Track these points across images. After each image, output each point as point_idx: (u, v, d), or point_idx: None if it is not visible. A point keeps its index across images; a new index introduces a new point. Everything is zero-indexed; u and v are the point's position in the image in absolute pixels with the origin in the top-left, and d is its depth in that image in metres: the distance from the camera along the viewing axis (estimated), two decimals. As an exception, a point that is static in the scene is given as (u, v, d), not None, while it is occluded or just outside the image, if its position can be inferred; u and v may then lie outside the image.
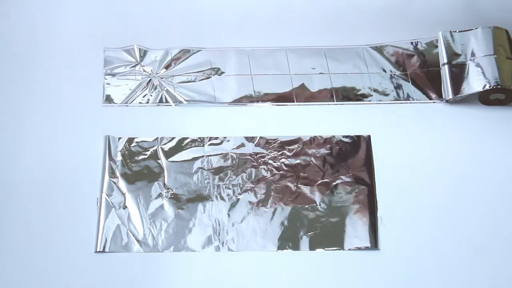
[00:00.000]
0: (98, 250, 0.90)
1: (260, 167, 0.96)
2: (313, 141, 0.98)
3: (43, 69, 1.03)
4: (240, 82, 1.02)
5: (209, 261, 0.90)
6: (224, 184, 0.95)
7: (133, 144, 0.97)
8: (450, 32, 1.03)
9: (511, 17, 1.06)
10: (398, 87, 1.02)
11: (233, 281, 0.89)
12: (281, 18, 1.08)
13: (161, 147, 0.97)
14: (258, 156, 0.97)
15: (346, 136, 0.98)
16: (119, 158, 0.96)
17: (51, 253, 0.90)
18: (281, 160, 0.96)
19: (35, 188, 0.94)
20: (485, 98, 1.00)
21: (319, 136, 0.98)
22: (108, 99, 1.01)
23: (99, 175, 0.95)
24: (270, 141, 0.98)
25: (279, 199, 0.94)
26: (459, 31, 1.02)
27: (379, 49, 1.05)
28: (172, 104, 1.01)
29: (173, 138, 0.98)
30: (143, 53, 1.04)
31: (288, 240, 0.91)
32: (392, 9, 1.08)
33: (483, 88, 0.98)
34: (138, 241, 0.91)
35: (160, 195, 0.94)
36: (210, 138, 0.98)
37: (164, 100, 1.01)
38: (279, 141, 0.98)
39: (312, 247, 0.91)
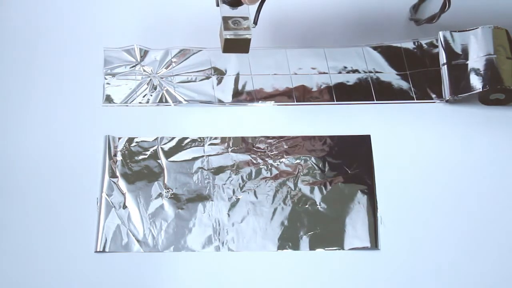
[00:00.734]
0: (98, 250, 0.90)
1: (260, 167, 0.96)
2: (313, 141, 0.98)
3: (43, 69, 1.03)
4: (240, 82, 1.02)
5: (209, 261, 0.90)
6: (224, 184, 0.95)
7: (133, 144, 0.97)
8: (450, 32, 1.03)
9: (511, 17, 1.06)
10: (398, 87, 1.02)
11: (233, 281, 0.89)
12: (281, 18, 1.08)
13: (161, 147, 0.97)
14: (258, 155, 0.97)
15: (346, 136, 0.98)
16: (119, 158, 0.96)
17: (51, 253, 0.90)
18: (281, 160, 0.96)
19: (35, 188, 0.94)
20: (485, 98, 1.00)
21: (319, 136, 0.98)
22: (108, 99, 1.01)
23: (99, 175, 0.95)
24: (270, 141, 0.98)
25: (279, 199, 0.94)
26: (459, 31, 1.02)
27: (379, 49, 1.05)
28: (172, 104, 1.01)
29: (173, 138, 0.98)
30: (143, 53, 1.04)
31: (288, 240, 0.91)
32: (392, 9, 1.08)
33: (483, 88, 0.98)
34: (138, 241, 0.91)
35: (160, 195, 0.94)
36: (210, 138, 0.98)
37: (164, 100, 1.01)
38: (279, 141, 0.98)
39: (312, 247, 0.91)
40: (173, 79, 1.03)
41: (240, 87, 1.02)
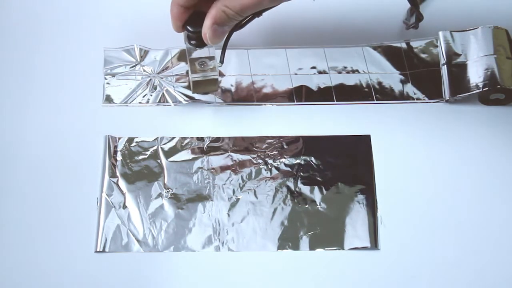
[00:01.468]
0: (98, 250, 0.90)
1: (260, 167, 0.96)
2: (313, 141, 0.98)
3: (43, 69, 1.03)
4: (240, 82, 1.02)
5: (209, 261, 0.90)
6: (224, 184, 0.95)
7: (133, 144, 0.97)
8: (450, 32, 1.03)
9: (511, 17, 1.06)
10: (398, 87, 1.02)
11: (233, 281, 0.89)
12: (281, 18, 1.08)
13: (161, 147, 0.97)
14: (258, 155, 0.97)
15: (346, 136, 0.98)
16: (119, 158, 0.96)
17: (51, 253, 0.90)
18: (281, 160, 0.96)
19: (35, 187, 0.94)
20: (485, 98, 1.00)
21: (319, 136, 0.98)
22: (108, 99, 1.01)
23: (99, 175, 0.95)
24: (270, 141, 0.98)
25: (279, 199, 0.94)
26: (459, 31, 1.02)
27: (379, 49, 1.05)
28: (172, 104, 1.01)
29: (173, 138, 0.98)
30: (143, 53, 1.04)
31: (288, 240, 0.91)
32: (392, 9, 1.08)
33: (483, 88, 0.98)
34: (138, 241, 0.91)
35: (160, 195, 0.94)
36: (210, 138, 0.98)
37: (164, 100, 1.01)
38: (279, 141, 0.98)
39: (312, 247, 0.91)
40: (173, 79, 1.03)
41: (240, 87, 1.02)
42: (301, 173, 0.95)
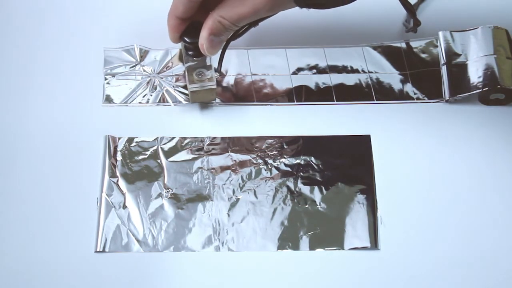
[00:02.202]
0: (98, 250, 0.90)
1: (260, 167, 0.96)
2: (313, 141, 0.98)
3: (43, 69, 1.03)
4: (240, 82, 1.02)
5: (209, 261, 0.90)
6: (224, 184, 0.95)
7: (133, 144, 0.97)
8: (450, 32, 1.03)
9: (511, 17, 1.06)
10: (398, 87, 1.02)
11: (233, 281, 0.89)
12: (281, 18, 1.08)
13: (161, 147, 0.97)
14: (258, 156, 0.97)
15: (346, 136, 0.98)
16: (119, 158, 0.96)
17: (50, 253, 0.90)
18: (281, 160, 0.96)
19: (35, 187, 0.94)
20: (485, 98, 1.00)
21: (319, 136, 0.98)
22: (108, 99, 1.01)
23: (99, 175, 0.95)
24: (270, 141, 0.98)
25: (279, 199, 0.94)
26: (459, 31, 1.02)
27: (379, 49, 1.05)
28: (172, 104, 1.01)
29: (173, 138, 0.98)
30: (144, 53, 1.04)
31: (288, 240, 0.91)
32: (392, 9, 1.08)
33: (483, 88, 0.98)
34: (138, 241, 0.91)
35: (160, 195, 0.94)
36: (210, 138, 0.98)
37: (164, 100, 1.01)
38: (279, 141, 0.98)
39: (312, 247, 0.91)
40: (173, 79, 1.03)
41: (240, 87, 1.02)
42: (301, 173, 0.95)
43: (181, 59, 1.03)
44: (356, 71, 1.03)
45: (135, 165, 0.96)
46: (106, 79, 1.02)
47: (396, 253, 0.90)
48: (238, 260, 0.90)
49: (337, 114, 1.00)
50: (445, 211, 0.92)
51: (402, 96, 1.01)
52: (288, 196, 0.94)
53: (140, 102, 1.01)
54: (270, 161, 0.96)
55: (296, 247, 0.91)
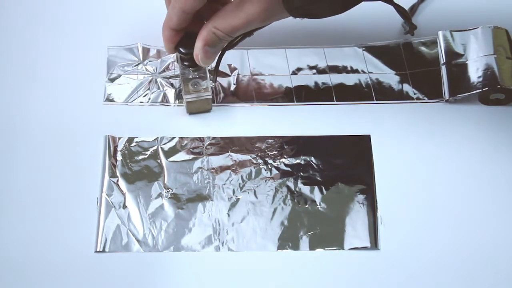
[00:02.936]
0: (98, 250, 0.90)
1: (260, 167, 0.96)
2: (313, 141, 0.98)
3: (45, 67, 1.03)
4: (240, 81, 1.03)
5: (209, 261, 0.90)
6: (224, 184, 0.95)
7: (133, 144, 0.97)
8: (450, 31, 1.03)
9: (511, 17, 1.06)
10: (398, 87, 1.02)
11: (233, 281, 0.89)
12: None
13: (161, 147, 0.97)
14: (258, 155, 0.97)
15: (346, 136, 0.98)
16: (119, 158, 0.96)
17: (51, 253, 0.90)
18: (281, 160, 0.96)
19: (35, 187, 0.94)
20: (485, 98, 1.00)
21: (319, 136, 0.98)
22: (109, 98, 1.01)
23: (99, 175, 0.95)
24: (270, 141, 0.98)
25: (279, 199, 0.94)
26: (459, 31, 1.02)
27: (379, 49, 1.05)
28: (172, 104, 1.01)
29: (173, 138, 0.98)
30: (146, 52, 1.04)
31: (288, 240, 0.91)
32: (391, 9, 1.08)
33: (483, 88, 0.98)
34: (138, 241, 0.91)
35: (160, 195, 0.94)
36: (210, 138, 0.98)
37: (164, 100, 1.01)
38: (279, 141, 0.98)
39: (312, 247, 0.91)
40: (175, 78, 1.03)
41: (240, 87, 1.02)
42: (301, 173, 0.95)
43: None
44: (356, 71, 1.03)
45: (135, 165, 0.96)
46: (107, 77, 1.02)
47: (396, 253, 0.90)
48: (238, 260, 0.90)
49: (337, 114, 1.00)
50: (445, 211, 0.92)
51: (402, 96, 1.01)
52: (288, 196, 0.94)
53: (141, 102, 1.01)
54: (270, 161, 0.96)
55: (296, 247, 0.91)
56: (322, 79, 1.03)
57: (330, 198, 0.94)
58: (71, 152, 0.97)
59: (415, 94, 1.01)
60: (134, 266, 0.89)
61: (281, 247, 0.91)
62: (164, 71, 1.03)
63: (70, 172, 0.95)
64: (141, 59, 1.04)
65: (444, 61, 1.01)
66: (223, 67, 1.02)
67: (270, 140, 0.98)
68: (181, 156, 0.97)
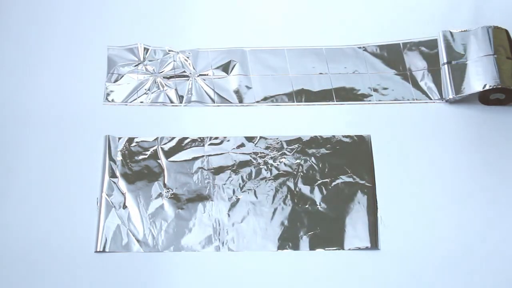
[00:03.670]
0: (98, 250, 0.90)
1: (260, 167, 0.96)
2: (313, 141, 0.98)
3: (45, 67, 1.03)
4: (240, 82, 1.02)
5: (209, 261, 0.90)
6: (224, 184, 0.95)
7: (133, 144, 0.97)
8: (450, 32, 1.03)
9: (511, 17, 1.06)
10: (398, 87, 1.02)
11: (233, 281, 0.89)
12: (281, 18, 1.08)
13: (161, 147, 0.97)
14: (258, 156, 0.97)
15: (346, 136, 0.98)
16: (119, 158, 0.96)
17: (51, 253, 0.90)
18: (281, 160, 0.96)
19: (35, 187, 0.94)
20: (485, 98, 0.99)
21: (319, 136, 0.98)
22: (110, 98, 1.01)
23: (99, 175, 0.95)
24: (270, 141, 0.98)
25: (279, 199, 0.94)
26: (459, 31, 1.02)
27: (379, 49, 1.04)
28: (172, 104, 1.01)
29: (173, 138, 0.98)
30: (147, 52, 1.04)
31: (288, 240, 0.91)
32: (392, 9, 1.08)
33: (483, 88, 0.98)
34: (138, 241, 0.91)
35: (160, 195, 0.94)
36: (210, 138, 0.98)
37: (164, 100, 1.01)
38: (279, 141, 0.98)
39: (312, 247, 0.91)
40: (174, 79, 1.03)
41: (240, 87, 1.02)
42: (301, 173, 0.95)
43: (182, 59, 1.03)
44: (356, 71, 1.03)
45: (135, 165, 0.96)
46: (108, 77, 1.02)
47: (396, 253, 0.90)
48: (238, 260, 0.90)
49: (337, 114, 1.00)
50: (445, 210, 0.92)
51: (402, 96, 1.01)
52: (288, 196, 0.94)
53: (141, 102, 1.01)
54: (270, 161, 0.96)
55: (296, 247, 0.91)
56: (322, 79, 1.03)
57: (330, 198, 0.94)
58: (71, 152, 0.97)
59: (415, 94, 1.01)
60: (134, 266, 0.89)
61: (281, 247, 0.91)
62: (164, 71, 1.03)
63: (70, 172, 0.95)
64: (141, 59, 1.04)
65: (445, 61, 1.01)
66: (224, 67, 1.02)
67: (270, 140, 0.98)
68: (181, 156, 0.97)
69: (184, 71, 1.03)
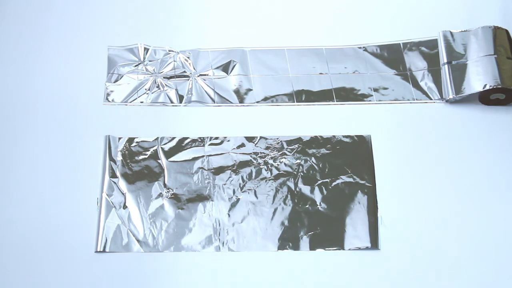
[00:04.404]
0: (98, 250, 0.90)
1: (260, 167, 0.96)
2: (313, 141, 0.98)
3: (45, 67, 1.03)
4: (240, 82, 1.02)
5: (209, 261, 0.90)
6: (224, 184, 0.95)
7: (133, 144, 0.97)
8: (450, 32, 1.03)
9: (511, 17, 1.06)
10: (398, 87, 1.02)
11: (233, 281, 0.89)
12: (281, 18, 1.08)
13: (161, 147, 0.97)
14: (258, 156, 0.97)
15: (346, 136, 0.98)
16: (119, 158, 0.96)
17: (51, 253, 0.90)
18: (281, 160, 0.96)
19: (35, 187, 0.94)
20: (485, 98, 1.00)
21: (319, 136, 0.98)
22: (110, 98, 1.01)
23: (99, 175, 0.95)
24: (270, 141, 0.98)
25: (279, 199, 0.94)
26: (459, 31, 1.02)
27: (379, 49, 1.05)
28: (172, 104, 1.01)
29: (173, 138, 0.98)
30: (147, 52, 1.04)
31: (288, 240, 0.91)
32: (392, 9, 1.08)
33: (483, 88, 0.98)
34: (138, 241, 0.91)
35: (160, 195, 0.94)
36: (210, 138, 0.98)
37: (164, 100, 1.01)
38: (279, 141, 0.98)
39: (312, 247, 0.91)
40: (174, 79, 1.03)
41: (240, 87, 1.02)
42: (301, 173, 0.95)
43: (182, 59, 1.03)
44: (356, 71, 1.03)
45: (135, 165, 0.96)
46: (108, 77, 1.02)
47: (396, 253, 0.90)
48: (238, 260, 0.90)
49: (337, 114, 1.00)
50: (445, 211, 0.92)
51: (402, 96, 1.01)
52: (288, 196, 0.94)
53: (141, 102, 1.01)
54: (270, 161, 0.96)
55: (296, 247, 0.91)
56: (322, 79, 1.03)
57: (330, 198, 0.94)
58: (71, 152, 0.97)
59: (415, 94, 1.01)
60: (134, 266, 0.90)
61: (281, 247, 0.91)
62: (164, 71, 1.03)
63: (70, 172, 0.95)
64: (141, 59, 1.04)
65: (445, 61, 1.01)
66: (223, 67, 1.02)
67: (270, 140, 0.98)
68: (181, 156, 0.97)
69: (184, 71, 1.03)
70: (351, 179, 0.95)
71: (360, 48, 1.05)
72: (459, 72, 1.00)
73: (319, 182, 0.95)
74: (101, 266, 0.90)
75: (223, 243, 0.91)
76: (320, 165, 0.96)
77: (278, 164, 0.96)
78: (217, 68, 1.03)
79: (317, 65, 1.03)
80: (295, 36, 1.05)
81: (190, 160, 0.96)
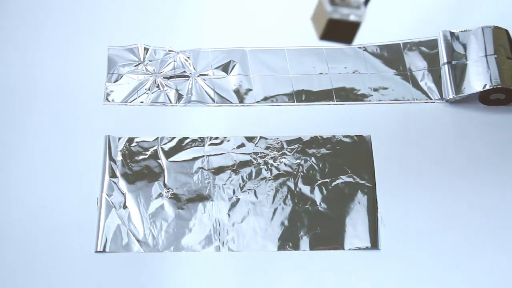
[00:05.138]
0: (98, 250, 0.90)
1: (260, 167, 0.96)
2: (313, 141, 0.98)
3: (45, 67, 1.03)
4: (240, 82, 1.02)
5: (209, 261, 0.90)
6: (224, 184, 0.95)
7: (133, 144, 0.97)
8: (450, 32, 1.03)
9: (511, 17, 1.06)
10: (398, 87, 1.02)
11: (233, 281, 0.89)
12: (281, 18, 1.08)
13: (161, 147, 0.97)
14: (258, 156, 0.97)
15: (346, 136, 0.98)
16: (119, 158, 0.96)
17: (51, 253, 0.90)
18: (281, 160, 0.96)
19: (35, 187, 0.94)
20: (485, 98, 0.99)
21: (319, 136, 0.98)
22: (110, 98, 1.01)
23: (99, 175, 0.95)
24: (270, 141, 0.98)
25: (279, 199, 0.94)
26: (459, 31, 1.02)
27: (379, 49, 1.04)
28: (172, 104, 1.01)
29: (173, 138, 0.98)
30: (147, 52, 1.04)
31: (288, 240, 0.91)
32: (392, 9, 1.08)
33: (483, 88, 0.98)
34: (138, 241, 0.91)
35: (160, 195, 0.94)
36: (210, 138, 0.98)
37: (164, 100, 1.01)
38: (279, 141, 0.98)
39: (312, 247, 0.91)
40: (174, 79, 1.03)
41: (240, 87, 1.02)
42: (301, 173, 0.95)
43: (182, 59, 1.03)
44: (356, 71, 1.03)
45: (135, 165, 0.96)
46: (108, 77, 1.02)
47: (396, 253, 0.90)
48: (238, 260, 0.90)
49: (337, 114, 1.00)
50: (445, 210, 0.92)
51: (402, 96, 1.01)
52: (288, 196, 0.94)
53: (141, 102, 1.01)
54: (270, 161, 0.96)
55: (296, 247, 0.91)
56: (322, 79, 1.03)
57: (330, 198, 0.94)
58: (71, 152, 0.97)
59: (415, 94, 1.01)
60: (134, 266, 0.89)
61: (281, 247, 0.91)
62: (164, 71, 1.03)
63: (70, 172, 0.95)
64: (141, 59, 1.04)
65: (445, 61, 1.01)
66: (223, 67, 1.02)
67: (270, 140, 0.98)
68: (181, 156, 0.97)
69: (184, 71, 1.03)
70: (351, 179, 0.95)
71: (360, 48, 1.05)
72: (459, 72, 1.00)
73: (319, 182, 0.95)
74: (101, 266, 0.89)
75: (223, 243, 0.91)
76: (320, 165, 0.96)
77: (278, 164, 0.96)
78: (217, 68, 1.03)
79: (317, 65, 1.03)
80: (295, 36, 1.05)
81: (190, 160, 0.96)
